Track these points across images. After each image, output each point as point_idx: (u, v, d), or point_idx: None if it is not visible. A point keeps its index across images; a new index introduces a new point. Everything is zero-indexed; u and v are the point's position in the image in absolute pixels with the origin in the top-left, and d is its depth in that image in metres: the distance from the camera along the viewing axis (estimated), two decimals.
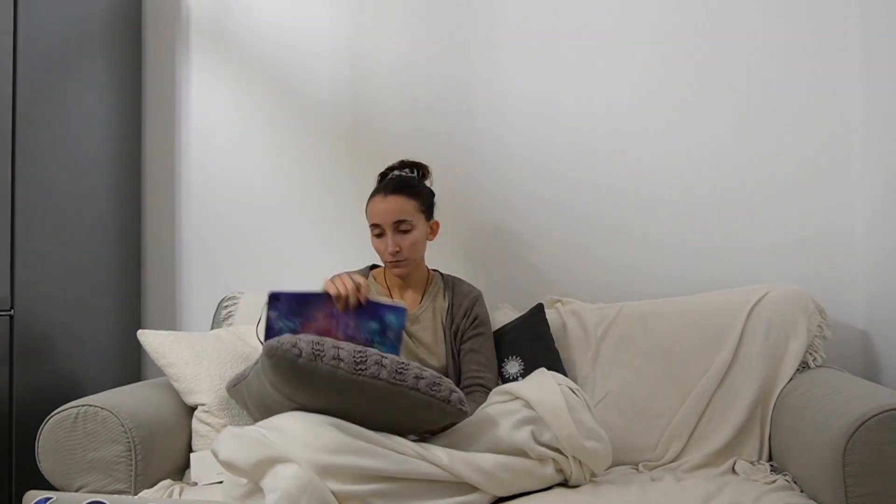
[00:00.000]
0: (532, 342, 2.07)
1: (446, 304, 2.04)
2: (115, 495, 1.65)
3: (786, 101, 2.30)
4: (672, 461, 1.94)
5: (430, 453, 1.54)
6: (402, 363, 1.54)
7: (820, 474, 1.57)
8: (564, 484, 1.69)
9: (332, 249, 2.47)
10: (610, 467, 1.82)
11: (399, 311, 1.71)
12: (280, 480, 1.37)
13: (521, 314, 2.15)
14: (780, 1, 2.30)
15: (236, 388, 1.77)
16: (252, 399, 1.69)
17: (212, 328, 2.33)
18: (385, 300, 1.73)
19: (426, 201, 2.03)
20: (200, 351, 1.96)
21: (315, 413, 1.51)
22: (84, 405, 1.73)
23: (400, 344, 1.71)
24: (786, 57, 2.30)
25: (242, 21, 2.55)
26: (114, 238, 2.41)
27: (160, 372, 2.00)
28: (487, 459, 1.58)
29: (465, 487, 1.56)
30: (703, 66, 2.34)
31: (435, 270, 2.13)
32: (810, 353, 2.00)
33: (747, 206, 2.31)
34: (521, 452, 1.62)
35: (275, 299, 1.66)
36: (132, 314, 2.50)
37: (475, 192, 2.43)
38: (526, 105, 2.42)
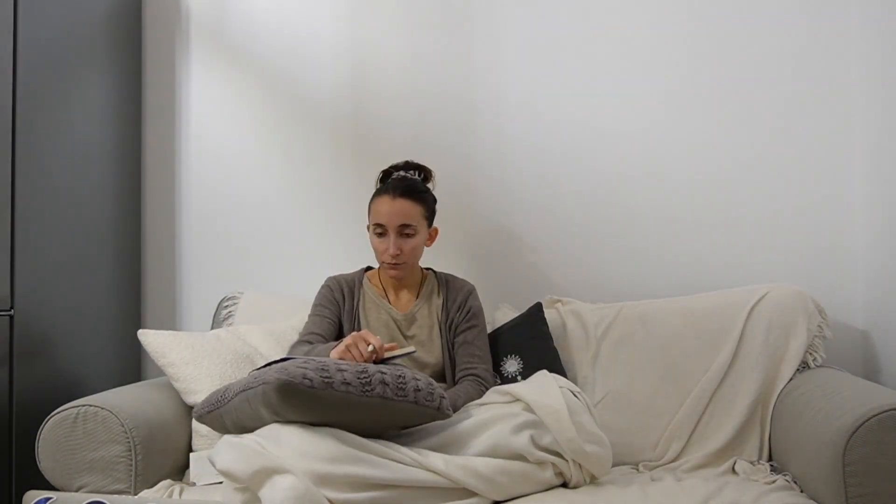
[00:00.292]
0: (531, 341, 2.07)
1: (441, 301, 2.05)
2: (115, 495, 1.65)
3: (786, 102, 2.30)
4: (672, 461, 1.94)
5: (427, 460, 1.54)
6: (400, 376, 1.55)
7: (820, 474, 1.56)
8: (564, 485, 1.68)
9: (331, 249, 2.47)
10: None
11: (410, 354, 1.77)
12: (277, 492, 1.37)
13: (520, 314, 2.15)
14: (780, 4, 2.30)
15: (211, 415, 1.67)
16: (236, 425, 1.61)
17: (212, 328, 2.33)
18: (398, 351, 1.73)
19: (430, 208, 2.04)
20: (201, 351, 1.96)
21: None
22: (84, 405, 1.73)
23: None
24: (786, 60, 2.30)
25: (242, 21, 2.55)
26: (114, 238, 2.41)
27: (160, 372, 2.00)
28: (485, 464, 1.57)
29: (462, 493, 1.55)
30: (705, 67, 2.34)
31: (428, 269, 2.13)
32: (810, 353, 2.00)
33: (747, 206, 2.31)
34: (520, 457, 1.61)
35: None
36: (132, 314, 2.50)
37: (475, 192, 2.43)
38: (526, 104, 2.42)
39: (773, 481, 1.72)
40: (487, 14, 2.44)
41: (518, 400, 1.69)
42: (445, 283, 2.09)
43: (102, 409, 1.72)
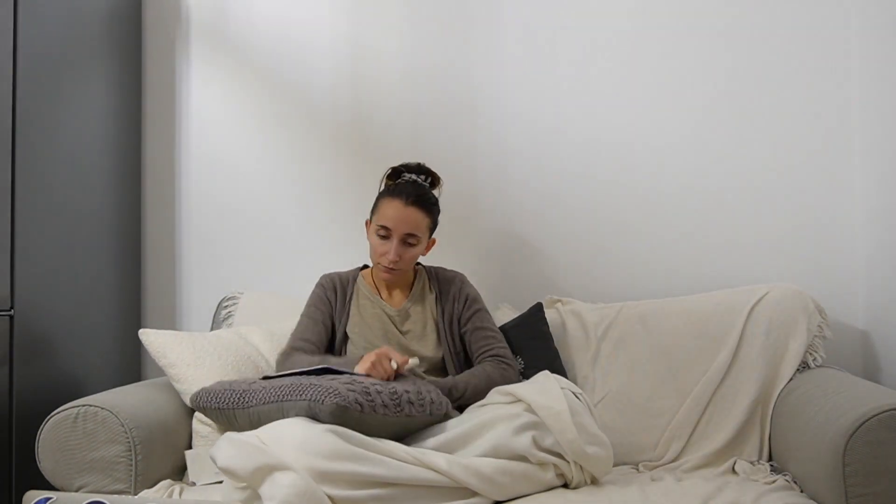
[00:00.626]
0: (531, 341, 2.07)
1: (433, 295, 2.06)
2: (115, 495, 1.64)
3: (786, 101, 2.30)
4: (672, 461, 1.94)
5: (428, 458, 1.54)
6: (418, 392, 1.66)
7: (820, 474, 1.57)
8: (565, 486, 1.68)
9: (331, 250, 2.47)
10: None
11: (415, 366, 1.88)
12: (278, 489, 1.38)
13: (521, 314, 2.15)
14: (780, 14, 2.30)
15: (220, 411, 1.71)
16: (252, 425, 1.61)
17: (212, 328, 2.33)
18: (408, 366, 1.83)
19: (436, 220, 2.04)
20: (202, 351, 1.96)
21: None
22: (84, 405, 1.73)
23: None
24: (786, 56, 2.30)
25: (242, 21, 2.55)
26: (114, 238, 2.41)
27: (160, 372, 2.00)
28: (486, 464, 1.57)
29: (463, 492, 1.55)
30: (705, 65, 2.34)
31: (417, 264, 2.13)
32: (810, 353, 2.00)
33: (747, 206, 2.31)
34: (522, 458, 1.61)
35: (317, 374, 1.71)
36: (132, 314, 2.50)
37: (475, 192, 2.43)
38: (526, 103, 2.42)
39: (773, 481, 1.72)
40: (487, 11, 2.44)
41: (519, 401, 1.69)
42: (436, 276, 2.10)
43: (102, 409, 1.72)
